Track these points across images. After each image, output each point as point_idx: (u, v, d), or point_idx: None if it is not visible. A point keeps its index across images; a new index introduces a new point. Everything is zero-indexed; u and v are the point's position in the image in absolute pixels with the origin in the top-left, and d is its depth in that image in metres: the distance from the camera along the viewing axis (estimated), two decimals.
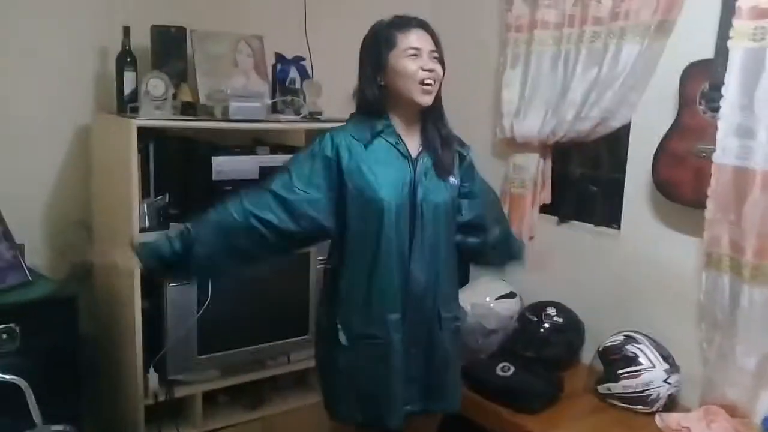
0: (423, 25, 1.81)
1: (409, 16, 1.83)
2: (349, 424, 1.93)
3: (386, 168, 1.80)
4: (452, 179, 1.89)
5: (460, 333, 2.04)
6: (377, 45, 1.81)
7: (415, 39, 1.77)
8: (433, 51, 1.79)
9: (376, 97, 1.81)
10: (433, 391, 1.93)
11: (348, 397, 1.89)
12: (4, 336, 2.06)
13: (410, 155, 1.84)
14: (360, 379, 1.86)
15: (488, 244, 2.02)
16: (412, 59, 1.76)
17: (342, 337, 1.85)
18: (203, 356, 2.44)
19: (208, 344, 2.44)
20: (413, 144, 1.86)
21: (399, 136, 1.84)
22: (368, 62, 1.83)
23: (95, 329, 2.55)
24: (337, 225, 1.84)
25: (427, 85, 1.77)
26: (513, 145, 2.93)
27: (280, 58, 2.82)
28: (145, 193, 2.38)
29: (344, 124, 1.90)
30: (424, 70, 1.76)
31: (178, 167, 2.52)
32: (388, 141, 1.82)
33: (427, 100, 1.79)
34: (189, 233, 1.78)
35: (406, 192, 1.81)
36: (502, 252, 2.11)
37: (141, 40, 2.51)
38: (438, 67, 1.80)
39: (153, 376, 2.34)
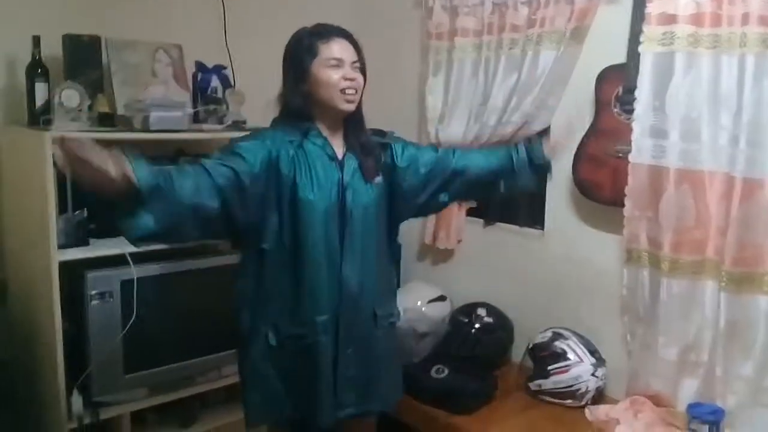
0: (345, 35, 1.83)
1: (331, 26, 1.85)
2: (282, 424, 1.93)
3: (316, 170, 1.80)
4: (378, 179, 1.90)
5: (396, 331, 2.05)
6: (299, 54, 1.81)
7: (337, 49, 1.79)
8: (354, 62, 1.82)
9: (300, 104, 1.82)
10: (371, 390, 1.93)
11: (278, 396, 1.88)
12: None
13: (337, 157, 1.85)
14: (291, 378, 1.86)
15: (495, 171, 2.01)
16: (334, 69, 1.78)
17: (271, 338, 1.84)
18: (130, 375, 2.35)
19: (135, 362, 2.35)
20: (338, 146, 1.88)
21: (325, 138, 1.85)
22: (291, 71, 1.83)
23: (12, 352, 2.41)
24: (259, 224, 1.79)
25: (349, 94, 1.80)
26: None
27: (200, 66, 2.76)
28: (62, 208, 2.28)
29: (269, 128, 1.88)
30: (346, 79, 1.78)
31: None
32: (315, 143, 1.83)
33: (349, 107, 1.82)
34: (170, 170, 1.62)
35: (335, 194, 1.81)
36: (525, 168, 2.04)
37: (52, 50, 2.41)
38: (359, 77, 1.83)
39: (77, 399, 2.24)
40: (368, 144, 1.91)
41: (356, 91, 1.81)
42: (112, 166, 1.45)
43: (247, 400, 1.94)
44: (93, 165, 1.42)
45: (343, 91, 1.79)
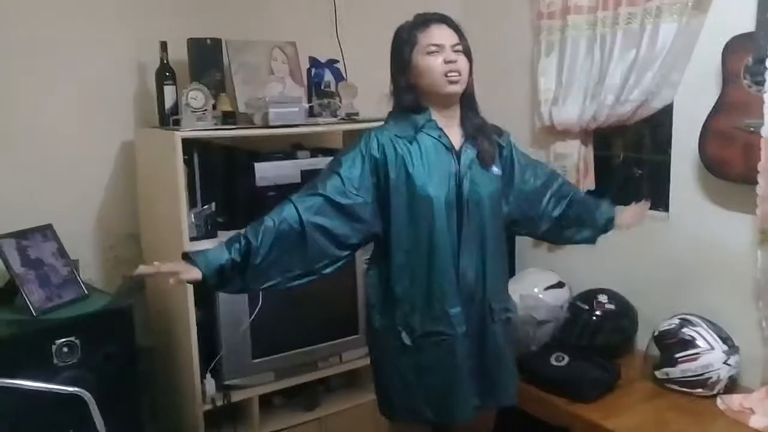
0: (443, 20, 1.82)
1: (429, 13, 1.84)
2: (415, 422, 1.94)
3: (433, 163, 1.80)
4: (495, 169, 1.88)
5: (513, 325, 2.02)
6: (400, 46, 1.83)
7: (435, 35, 1.78)
8: (455, 45, 1.79)
9: (410, 98, 1.83)
10: (490, 384, 1.92)
11: (414, 396, 1.88)
12: (65, 349, 2.11)
13: (453, 147, 1.84)
14: (429, 377, 1.86)
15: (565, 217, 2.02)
16: (434, 55, 1.77)
17: (405, 338, 1.85)
18: (257, 360, 2.47)
19: (262, 348, 2.47)
20: (455, 136, 1.86)
21: (441, 129, 1.84)
22: (395, 64, 1.85)
23: (151, 339, 2.60)
24: (383, 225, 1.84)
25: (452, 76, 1.77)
26: (553, 133, 2.90)
27: (314, 62, 2.84)
28: (191, 203, 2.42)
29: (384, 123, 1.90)
30: (447, 62, 1.77)
31: (222, 176, 2.56)
32: (431, 135, 1.82)
33: (454, 88, 1.79)
34: (248, 243, 1.73)
35: (452, 185, 1.81)
36: (586, 220, 2.07)
37: (178, 54, 2.56)
38: (462, 59, 1.80)
39: (210, 382, 2.38)
40: (485, 128, 1.89)
41: (459, 73, 1.78)
42: (183, 274, 1.70)
43: (383, 396, 1.96)
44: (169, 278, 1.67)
45: (445, 74, 1.77)
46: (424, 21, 1.81)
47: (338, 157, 1.86)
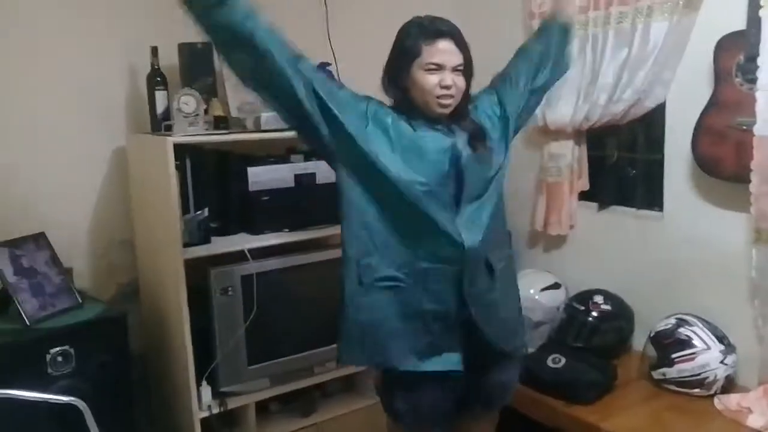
0: (451, 35, 1.76)
1: (441, 23, 1.77)
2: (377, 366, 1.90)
3: (426, 142, 1.76)
4: (489, 145, 1.86)
5: (512, 268, 2.01)
6: (402, 52, 1.78)
7: (439, 53, 1.74)
8: (457, 66, 1.76)
9: (400, 96, 1.80)
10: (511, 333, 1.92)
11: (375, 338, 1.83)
12: (59, 358, 2.10)
13: (445, 127, 1.81)
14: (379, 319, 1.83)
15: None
16: (433, 74, 1.74)
17: (364, 277, 1.81)
18: (253, 366, 2.46)
19: (257, 354, 2.46)
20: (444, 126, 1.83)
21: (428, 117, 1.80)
22: (393, 64, 1.82)
23: (146, 347, 2.59)
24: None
25: (444, 101, 1.75)
26: (546, 133, 2.90)
27: None
28: (184, 209, 2.41)
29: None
30: (443, 87, 1.74)
31: (214, 181, 2.55)
32: (424, 119, 1.79)
33: (443, 111, 1.77)
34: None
35: (447, 157, 1.76)
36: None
37: (169, 59, 2.55)
38: (459, 81, 1.77)
39: (206, 389, 2.37)
40: (475, 132, 1.85)
41: (452, 97, 1.76)
42: None
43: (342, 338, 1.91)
44: None
45: (438, 97, 1.75)
46: (433, 32, 1.75)
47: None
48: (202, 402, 2.37)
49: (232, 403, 2.44)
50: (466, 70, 1.79)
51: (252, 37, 1.67)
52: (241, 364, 2.43)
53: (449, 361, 1.82)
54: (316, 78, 1.75)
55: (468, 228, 1.78)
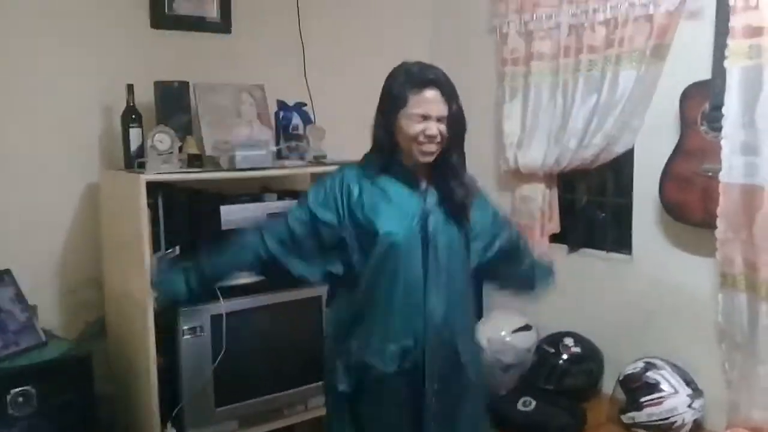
0: (438, 84, 1.76)
1: (428, 72, 1.77)
2: None
3: (395, 201, 1.79)
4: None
5: (482, 363, 2.02)
6: (389, 99, 1.79)
7: (424, 103, 1.74)
8: (441, 117, 1.75)
9: (386, 144, 1.81)
10: (458, 428, 1.90)
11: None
12: (20, 399, 2.05)
13: (419, 187, 1.83)
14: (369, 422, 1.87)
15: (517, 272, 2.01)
16: (418, 123, 1.74)
17: (342, 385, 1.85)
18: (221, 408, 2.42)
19: (225, 395, 2.42)
20: (423, 177, 1.84)
21: (409, 170, 1.83)
22: (380, 111, 1.83)
23: (111, 387, 2.53)
24: (343, 264, 1.84)
25: (426, 149, 1.76)
26: (518, 176, 2.94)
27: (281, 105, 2.85)
28: (155, 247, 2.39)
29: (350, 163, 1.91)
30: (426, 136, 1.75)
31: (187, 219, 2.52)
32: (396, 175, 1.82)
33: (425, 159, 1.78)
34: (204, 272, 1.86)
35: (416, 224, 1.79)
36: (530, 278, 2.05)
37: (145, 97, 2.55)
38: (443, 131, 1.77)
39: None
40: (457, 195, 1.83)
41: (435, 146, 1.77)
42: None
43: None
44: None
45: (421, 144, 1.76)
46: (421, 82, 1.75)
47: (306, 193, 1.89)
48: None
49: None
50: (454, 120, 1.79)
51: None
52: (209, 405, 2.39)
53: None
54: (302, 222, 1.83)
55: (437, 300, 1.80)
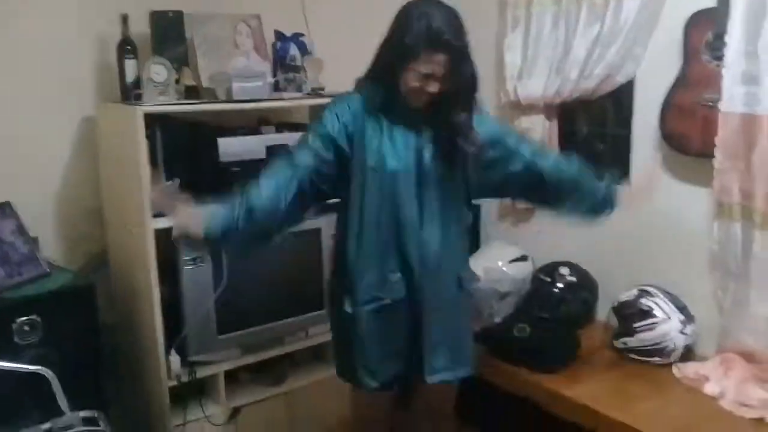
0: (452, 50, 1.75)
1: (444, 33, 1.74)
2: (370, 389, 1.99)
3: (395, 137, 1.83)
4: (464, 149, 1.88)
5: (474, 296, 2.09)
6: (402, 46, 1.76)
7: (432, 64, 1.75)
8: (444, 74, 1.76)
9: (386, 79, 1.82)
10: (459, 354, 1.98)
11: (364, 358, 1.95)
12: (26, 327, 2.10)
13: (415, 124, 1.85)
14: (373, 341, 1.94)
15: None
16: (420, 79, 1.76)
17: (347, 306, 1.92)
18: (223, 336, 2.47)
19: (227, 324, 2.47)
20: (419, 118, 1.87)
21: (407, 108, 1.84)
22: (388, 50, 1.82)
23: (115, 316, 2.58)
24: (343, 193, 1.89)
25: (422, 99, 1.80)
26: (518, 107, 2.91)
27: (279, 35, 2.81)
28: (154, 179, 2.39)
29: (351, 92, 1.91)
30: (425, 92, 1.78)
31: (185, 152, 2.52)
32: (394, 112, 1.84)
33: (418, 104, 1.82)
34: (251, 210, 1.80)
35: (411, 158, 1.83)
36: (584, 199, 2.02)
37: (139, 27, 2.51)
38: (441, 88, 1.78)
39: (175, 358, 2.38)
40: (453, 127, 1.84)
41: (430, 96, 1.79)
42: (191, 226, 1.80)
43: (336, 357, 2.06)
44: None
45: (415, 93, 1.79)
46: (437, 43, 1.73)
47: (315, 128, 1.90)
48: (171, 371, 2.37)
49: (201, 372, 2.45)
50: (464, 79, 1.79)
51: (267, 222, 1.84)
52: (211, 333, 2.44)
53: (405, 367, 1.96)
54: (311, 150, 1.85)
55: (431, 233, 1.86)
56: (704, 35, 2.28)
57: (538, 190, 1.99)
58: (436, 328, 1.92)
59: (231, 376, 2.57)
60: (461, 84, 1.79)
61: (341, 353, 2.03)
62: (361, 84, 1.91)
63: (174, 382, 2.39)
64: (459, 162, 1.88)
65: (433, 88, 1.77)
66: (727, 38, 2.17)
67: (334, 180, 1.87)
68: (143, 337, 2.45)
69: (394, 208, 1.84)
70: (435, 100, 1.81)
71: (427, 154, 1.84)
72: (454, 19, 1.77)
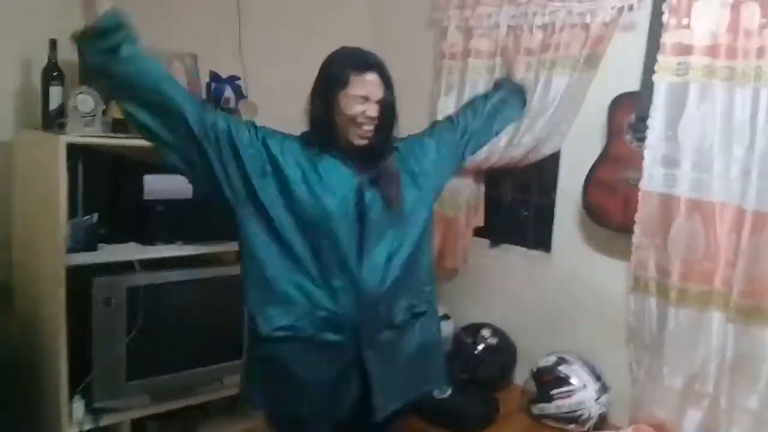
0: (378, 69, 1.80)
1: (368, 57, 1.81)
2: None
3: (330, 178, 1.80)
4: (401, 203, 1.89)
5: (433, 317, 2.04)
6: (330, 78, 1.80)
7: (365, 85, 1.78)
8: (380, 99, 1.80)
9: (323, 127, 1.82)
10: (402, 387, 1.92)
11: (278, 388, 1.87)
12: None
13: (355, 167, 1.83)
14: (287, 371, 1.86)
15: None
16: (358, 104, 1.78)
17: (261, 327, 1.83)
18: (132, 382, 2.33)
19: (138, 369, 2.34)
20: (357, 159, 1.86)
21: (345, 151, 1.83)
22: (319, 92, 1.83)
23: (17, 354, 2.40)
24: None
25: (365, 130, 1.80)
26: None
27: (214, 76, 2.77)
28: (72, 213, 2.27)
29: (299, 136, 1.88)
30: (366, 117, 1.78)
31: (107, 186, 2.43)
32: (334, 156, 1.82)
33: (361, 143, 1.81)
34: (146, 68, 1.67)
35: (352, 199, 1.80)
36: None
37: (68, 54, 2.41)
38: (381, 114, 1.80)
39: (78, 404, 2.23)
40: (385, 177, 1.86)
41: (372, 128, 1.80)
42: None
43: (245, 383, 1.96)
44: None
45: (359, 126, 1.79)
46: (362, 65, 1.79)
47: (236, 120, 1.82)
48: (73, 417, 2.22)
49: (106, 420, 2.30)
50: (388, 107, 1.82)
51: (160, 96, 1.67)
52: (120, 379, 2.30)
53: (345, 405, 1.85)
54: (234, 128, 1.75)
55: (371, 271, 1.81)
56: (628, 116, 2.41)
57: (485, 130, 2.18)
58: (373, 365, 1.84)
59: (138, 426, 2.42)
60: (390, 110, 1.82)
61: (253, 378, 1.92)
62: (303, 134, 1.88)
63: (75, 430, 2.23)
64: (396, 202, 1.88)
65: (373, 111, 1.78)
66: (649, 122, 2.31)
67: (202, 168, 1.75)
68: (46, 379, 2.28)
69: (332, 248, 1.78)
70: (373, 138, 1.82)
71: (369, 195, 1.82)
72: (373, 52, 1.85)
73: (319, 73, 1.85)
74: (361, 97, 1.77)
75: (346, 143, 1.82)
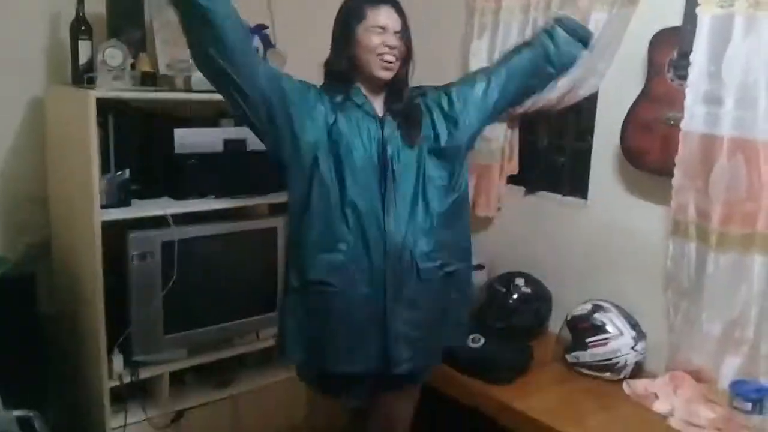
0: (393, 3, 1.87)
1: None
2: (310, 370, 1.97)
3: (354, 125, 1.83)
4: (420, 142, 1.89)
5: (464, 277, 2.03)
6: (348, 16, 1.86)
7: (383, 16, 1.83)
8: (398, 30, 1.85)
9: (345, 68, 1.86)
10: (426, 345, 1.93)
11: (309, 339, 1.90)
12: None
13: (377, 115, 1.88)
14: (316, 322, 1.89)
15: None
16: (378, 35, 1.82)
17: (294, 281, 1.87)
18: (169, 335, 2.38)
19: (175, 323, 2.38)
20: (379, 106, 1.90)
21: (366, 97, 1.88)
22: (338, 33, 1.88)
23: (56, 310, 2.47)
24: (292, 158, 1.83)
25: (388, 61, 1.83)
26: None
27: None
28: (104, 169, 2.29)
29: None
30: (386, 45, 1.82)
31: (138, 141, 2.44)
32: (356, 102, 1.86)
33: (386, 75, 1.85)
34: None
35: (375, 149, 1.83)
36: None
37: (96, 7, 2.41)
38: (401, 45, 1.85)
39: (118, 358, 2.28)
40: (409, 109, 1.91)
41: (395, 59, 1.85)
42: None
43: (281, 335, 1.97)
44: None
45: (381, 57, 1.82)
46: (377, 0, 1.84)
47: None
48: (113, 371, 2.28)
49: (145, 373, 2.36)
50: (407, 40, 1.87)
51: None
52: (157, 332, 2.35)
53: (371, 359, 1.87)
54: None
55: (397, 223, 1.82)
56: (669, 53, 2.30)
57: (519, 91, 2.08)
58: (396, 319, 1.85)
59: (176, 378, 2.48)
60: (411, 47, 1.87)
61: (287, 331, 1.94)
62: (322, 86, 1.90)
63: (116, 383, 2.29)
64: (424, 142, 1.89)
65: (393, 40, 1.82)
66: (691, 57, 2.19)
67: (262, 120, 1.80)
68: (85, 335, 2.34)
69: (357, 201, 1.81)
70: (398, 70, 1.85)
71: (391, 146, 1.84)
72: None
73: (338, 15, 1.90)
74: (380, 27, 1.82)
75: (371, 79, 1.85)
